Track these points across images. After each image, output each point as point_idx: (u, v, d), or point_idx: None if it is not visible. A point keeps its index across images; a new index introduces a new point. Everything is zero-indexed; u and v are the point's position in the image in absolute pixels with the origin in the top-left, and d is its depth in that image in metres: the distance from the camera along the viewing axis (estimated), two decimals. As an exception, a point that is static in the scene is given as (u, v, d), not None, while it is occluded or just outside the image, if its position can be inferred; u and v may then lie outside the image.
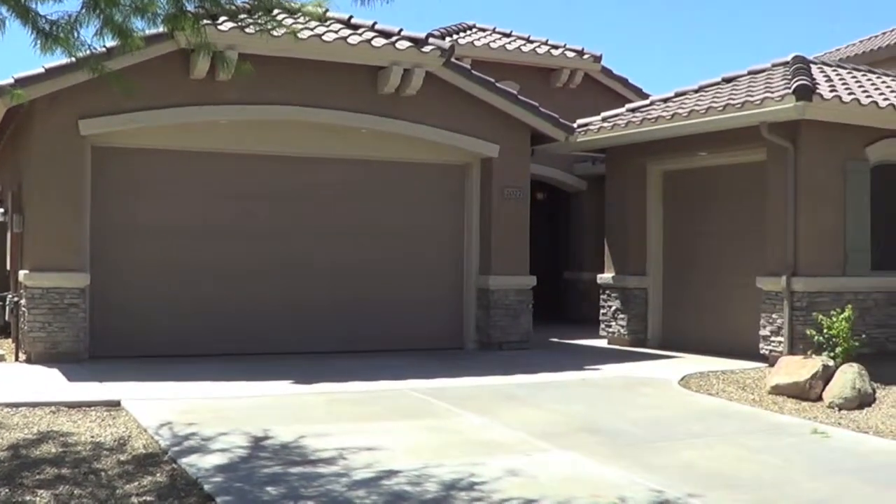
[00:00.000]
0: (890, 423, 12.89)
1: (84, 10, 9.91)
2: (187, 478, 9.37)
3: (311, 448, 10.67)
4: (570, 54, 26.02)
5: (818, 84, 16.91)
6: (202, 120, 17.55)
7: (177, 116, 17.27)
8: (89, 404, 12.73)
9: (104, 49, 12.16)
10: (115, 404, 12.80)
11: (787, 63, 18.72)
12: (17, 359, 16.84)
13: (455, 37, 25.09)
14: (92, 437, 11.12)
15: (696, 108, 18.11)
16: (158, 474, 9.50)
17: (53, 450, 10.45)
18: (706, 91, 19.93)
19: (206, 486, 9.02)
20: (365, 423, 12.24)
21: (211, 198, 18.12)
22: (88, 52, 10.71)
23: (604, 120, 20.85)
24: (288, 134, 18.37)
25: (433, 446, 11.04)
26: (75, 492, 8.81)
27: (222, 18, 15.24)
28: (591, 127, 20.78)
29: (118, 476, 9.41)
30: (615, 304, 21.05)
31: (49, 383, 14.35)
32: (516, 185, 19.86)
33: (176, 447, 10.57)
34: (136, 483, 9.17)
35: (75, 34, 10.09)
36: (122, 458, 10.17)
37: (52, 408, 12.47)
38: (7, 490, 8.79)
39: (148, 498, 8.69)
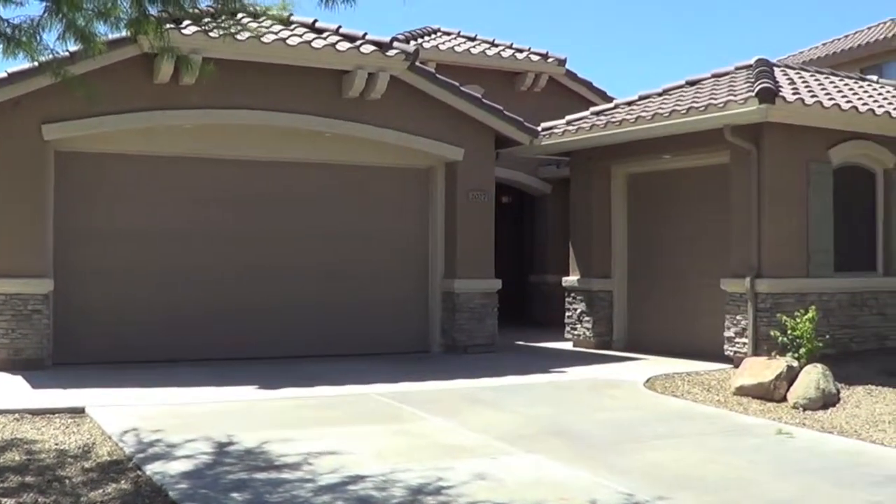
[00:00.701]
0: (854, 423, 12.96)
1: (47, 15, 9.86)
2: (152, 485, 9.31)
3: (276, 453, 10.63)
4: (535, 58, 26.05)
5: (781, 87, 16.98)
6: (166, 124, 17.46)
7: (140, 121, 17.17)
8: (53, 411, 12.65)
9: (67, 53, 12.10)
10: (79, 411, 12.72)
11: (751, 66, 18.78)
12: (-20, 366, 16.72)
13: (419, 41, 25.07)
14: (56, 444, 11.05)
15: (660, 111, 18.17)
16: (123, 481, 9.45)
17: (17, 457, 10.37)
18: (670, 94, 20.00)
19: (171, 493, 8.97)
20: (331, 427, 12.22)
21: (175, 202, 18.03)
22: (51, 56, 10.65)
23: (568, 123, 20.88)
24: (252, 138, 18.30)
25: (399, 450, 11.02)
26: (39, 500, 8.74)
27: (186, 22, 15.17)
28: (556, 130, 20.81)
29: (83, 484, 9.35)
30: (580, 307, 21.07)
31: (12, 390, 14.25)
32: (481, 189, 19.87)
33: (140, 454, 10.51)
34: (100, 490, 9.11)
35: (38, 38, 10.04)
36: (87, 465, 10.11)
37: (16, 415, 12.39)
38: (-30, 498, 8.74)
39: (113, 505, 8.65)
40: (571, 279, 21.34)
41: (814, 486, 9.80)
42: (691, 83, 20.13)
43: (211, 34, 15.20)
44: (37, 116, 16.42)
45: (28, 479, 9.48)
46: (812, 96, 17.05)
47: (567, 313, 21.55)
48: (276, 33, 17.30)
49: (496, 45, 26.13)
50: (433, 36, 26.22)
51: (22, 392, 14.12)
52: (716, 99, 17.22)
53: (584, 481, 9.74)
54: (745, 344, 16.89)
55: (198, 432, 11.56)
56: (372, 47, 17.97)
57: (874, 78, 21.61)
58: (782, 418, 13.37)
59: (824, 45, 31.33)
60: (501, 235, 21.74)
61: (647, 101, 20.27)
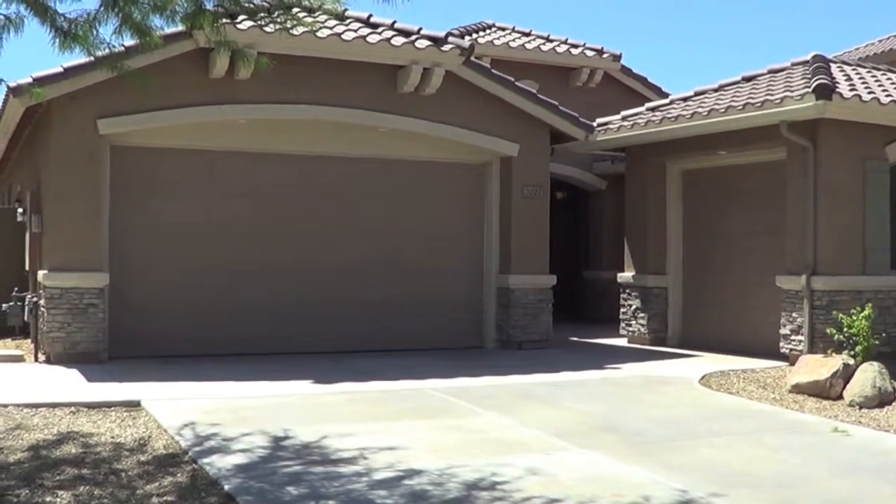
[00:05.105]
0: (912, 422, 12.84)
1: (103, 9, 9.89)
2: (208, 478, 9.35)
3: (331, 448, 10.65)
4: (590, 53, 25.99)
5: (838, 83, 16.84)
6: (221, 119, 17.52)
7: (196, 115, 17.25)
8: (109, 405, 12.73)
9: (123, 48, 12.14)
10: (134, 405, 12.80)
11: (807, 62, 18.65)
12: (36, 359, 16.80)
13: (474, 36, 25.04)
14: (112, 437, 11.12)
15: (716, 107, 18.07)
16: (179, 474, 9.49)
17: (73, 450, 10.44)
18: (726, 90, 19.87)
19: (226, 486, 9.00)
20: (386, 422, 12.22)
21: (230, 197, 18.11)
22: (107, 50, 10.68)
23: (623, 119, 20.82)
24: (307, 133, 18.35)
25: (454, 446, 11.00)
26: (95, 492, 8.79)
27: (241, 17, 15.22)
28: (611, 126, 20.74)
29: (138, 476, 9.39)
30: (635, 303, 20.99)
31: (68, 384, 14.36)
32: (536, 184, 19.83)
33: (196, 447, 10.56)
34: (156, 483, 9.15)
35: (94, 32, 10.08)
36: (143, 458, 10.16)
37: (72, 408, 12.48)
38: (27, 490, 8.78)
39: (168, 498, 8.67)
40: (626, 275, 21.26)
41: (870, 484, 9.69)
42: (747, 79, 20.00)
43: (266, 29, 15.26)
44: (93, 111, 16.52)
45: (84, 471, 9.54)
46: (869, 93, 16.89)
47: (622, 309, 21.48)
48: (331, 28, 17.32)
49: (551, 41, 26.06)
50: (488, 31, 26.21)
51: (78, 385, 14.23)
52: (772, 95, 17.10)
53: (638, 478, 9.69)
54: (800, 341, 16.77)
55: (254, 426, 11.60)
56: (427, 42, 17.96)
57: (932, 74, 21.36)
58: (838, 416, 13.25)
59: (881, 41, 30.96)
60: (556, 231, 21.66)
61: (702, 97, 20.17)
